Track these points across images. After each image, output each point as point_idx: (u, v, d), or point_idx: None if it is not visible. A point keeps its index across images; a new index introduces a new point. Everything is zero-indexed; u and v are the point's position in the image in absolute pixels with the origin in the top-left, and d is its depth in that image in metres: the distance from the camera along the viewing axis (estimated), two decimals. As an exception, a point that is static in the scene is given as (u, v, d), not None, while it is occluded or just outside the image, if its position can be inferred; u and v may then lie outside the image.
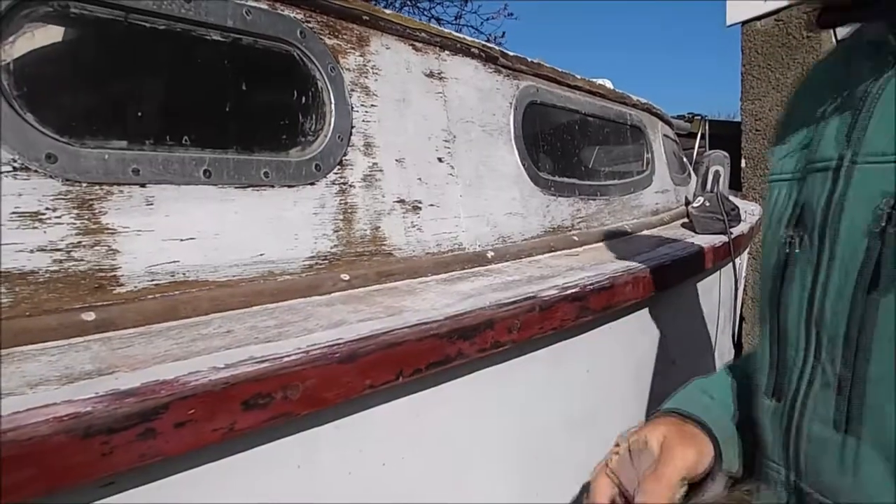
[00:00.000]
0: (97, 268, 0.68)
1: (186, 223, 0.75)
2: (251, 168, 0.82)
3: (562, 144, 1.55)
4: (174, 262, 0.74)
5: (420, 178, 1.07)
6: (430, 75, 1.12)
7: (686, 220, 1.94)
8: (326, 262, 0.90)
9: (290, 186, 0.87)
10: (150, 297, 0.71)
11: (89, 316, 0.65)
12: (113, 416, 0.50)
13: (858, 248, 0.52)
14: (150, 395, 0.52)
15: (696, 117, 5.50)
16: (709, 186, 2.20)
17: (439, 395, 0.82)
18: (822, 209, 0.57)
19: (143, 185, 0.72)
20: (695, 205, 1.86)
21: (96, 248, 0.68)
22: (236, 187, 0.80)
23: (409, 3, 7.63)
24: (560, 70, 1.50)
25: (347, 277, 0.91)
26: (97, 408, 0.50)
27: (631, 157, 1.92)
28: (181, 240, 0.75)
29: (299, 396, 0.63)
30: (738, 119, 3.94)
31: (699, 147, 4.83)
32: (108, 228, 0.69)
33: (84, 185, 0.67)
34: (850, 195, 0.54)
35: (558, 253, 1.36)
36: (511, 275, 1.08)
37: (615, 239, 1.58)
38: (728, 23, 3.84)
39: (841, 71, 0.61)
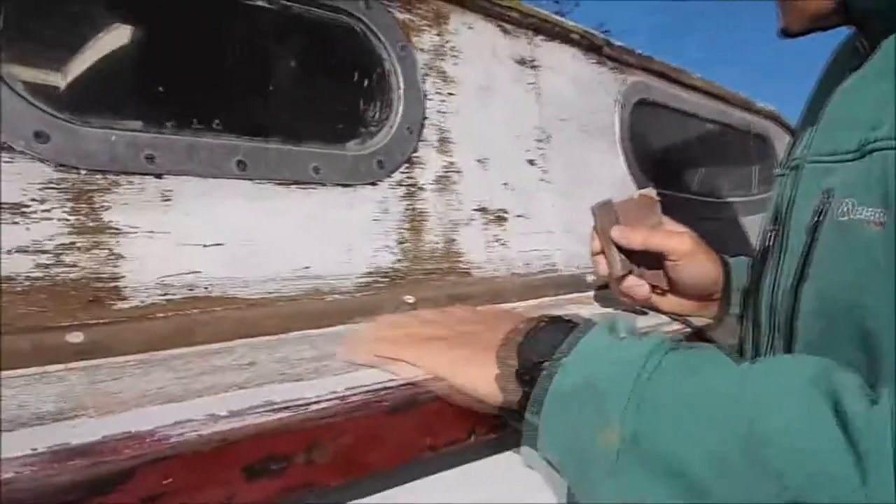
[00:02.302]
0: (94, 276, 0.54)
1: (212, 225, 0.61)
2: (297, 161, 0.67)
3: (675, 152, 1.32)
4: (194, 272, 0.59)
5: (506, 183, 0.89)
6: (521, 62, 0.95)
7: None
8: (387, 279, 0.73)
9: (345, 186, 0.71)
10: (159, 315, 0.56)
11: (76, 337, 0.51)
12: (44, 486, 0.34)
13: (802, 242, 0.57)
14: (107, 457, 0.36)
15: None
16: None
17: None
18: (786, 206, 0.63)
19: (158, 176, 0.58)
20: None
21: (94, 251, 0.54)
22: (277, 184, 0.65)
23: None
24: (673, 66, 1.29)
25: (412, 300, 0.73)
26: (22, 473, 0.34)
27: (756, 172, 1.65)
28: (204, 245, 0.60)
29: (329, 460, 0.45)
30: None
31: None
32: (110, 227, 0.55)
33: (83, 172, 0.54)
34: (799, 193, 0.61)
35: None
36: (617, 304, 0.87)
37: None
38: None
39: (827, 75, 0.68)
